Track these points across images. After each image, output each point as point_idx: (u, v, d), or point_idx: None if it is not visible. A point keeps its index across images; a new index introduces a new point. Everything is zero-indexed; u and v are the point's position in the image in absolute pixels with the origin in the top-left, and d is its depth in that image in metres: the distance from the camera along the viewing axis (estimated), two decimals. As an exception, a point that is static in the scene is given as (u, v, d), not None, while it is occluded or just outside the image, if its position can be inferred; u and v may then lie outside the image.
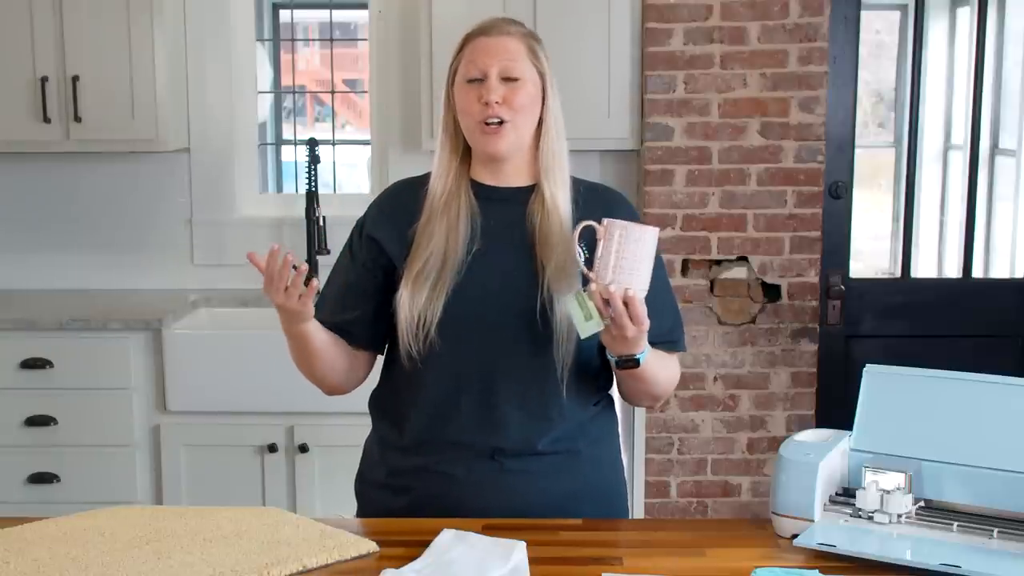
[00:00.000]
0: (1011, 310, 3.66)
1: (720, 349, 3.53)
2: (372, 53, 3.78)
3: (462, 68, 1.80)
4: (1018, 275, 4.08)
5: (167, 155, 3.67)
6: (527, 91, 1.77)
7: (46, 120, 3.40)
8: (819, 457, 1.62)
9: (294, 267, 1.63)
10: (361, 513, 1.90)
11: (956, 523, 1.58)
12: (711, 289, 3.52)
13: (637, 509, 3.43)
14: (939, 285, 4.01)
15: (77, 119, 3.40)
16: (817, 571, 1.48)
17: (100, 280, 3.76)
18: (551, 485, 1.79)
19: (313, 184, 3.66)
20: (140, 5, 3.37)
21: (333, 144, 4.24)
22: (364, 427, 1.95)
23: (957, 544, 1.54)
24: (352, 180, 5.09)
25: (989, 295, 3.73)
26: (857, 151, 3.61)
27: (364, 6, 3.84)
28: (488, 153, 1.79)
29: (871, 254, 4.91)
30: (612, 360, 1.72)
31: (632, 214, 1.86)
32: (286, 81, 4.84)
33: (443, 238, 1.77)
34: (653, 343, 1.78)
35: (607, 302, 1.60)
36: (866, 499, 1.62)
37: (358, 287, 1.84)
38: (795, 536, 1.58)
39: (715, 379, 3.54)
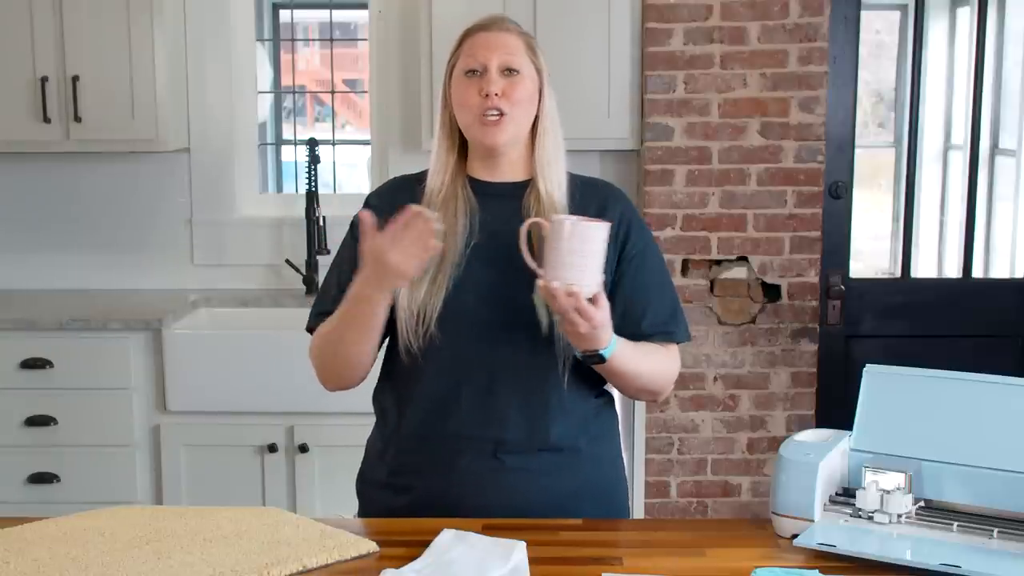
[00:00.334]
0: (1011, 310, 3.67)
1: (720, 349, 3.53)
2: (372, 53, 3.78)
3: (461, 62, 1.81)
4: (1018, 275, 4.08)
5: (167, 155, 3.67)
6: (525, 86, 1.79)
7: (46, 120, 3.40)
8: (819, 457, 1.62)
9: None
10: (362, 512, 1.90)
11: (956, 523, 1.58)
12: (711, 289, 3.52)
13: (637, 509, 3.43)
14: (939, 285, 4.01)
15: (77, 119, 3.40)
16: (817, 571, 1.48)
17: (100, 280, 3.77)
18: (552, 483, 1.79)
19: (313, 184, 3.66)
20: (140, 5, 3.38)
21: (333, 144, 4.25)
22: (364, 427, 1.95)
23: (957, 544, 1.54)
24: (352, 180, 5.09)
25: (989, 295, 3.73)
26: (857, 151, 3.61)
27: (364, 6, 3.84)
28: (487, 146, 1.79)
29: (871, 254, 4.91)
30: (577, 355, 1.73)
31: (629, 208, 1.88)
32: (286, 81, 4.84)
33: (440, 233, 1.77)
34: (649, 334, 1.79)
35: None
36: (866, 499, 1.62)
37: None
38: (795, 536, 1.58)
39: (715, 379, 3.54)
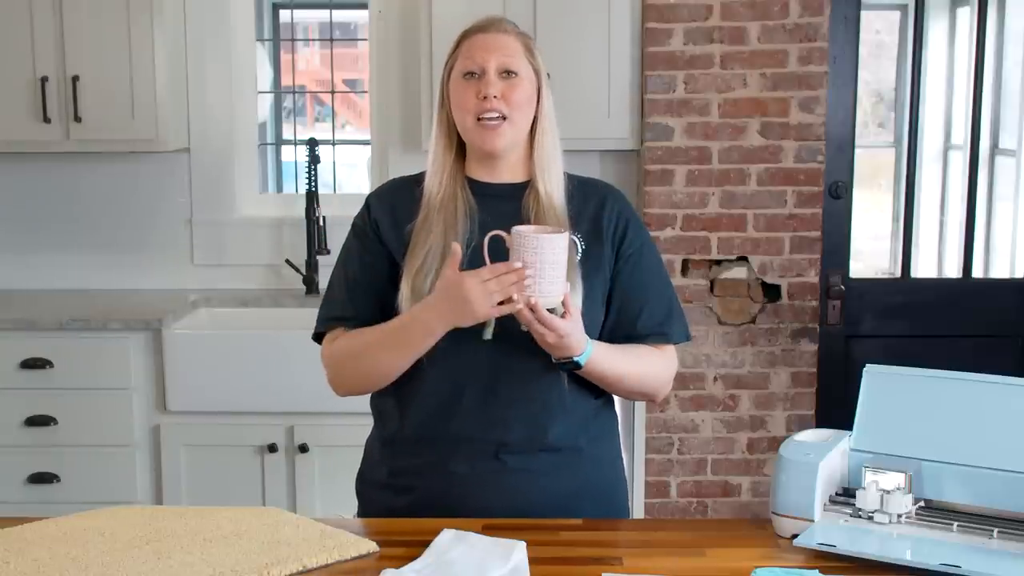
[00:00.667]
0: (1011, 310, 3.66)
1: (720, 349, 3.53)
2: (372, 53, 3.78)
3: (459, 63, 1.80)
4: (1018, 275, 4.08)
5: (167, 155, 3.67)
6: (524, 88, 1.78)
7: (46, 120, 3.40)
8: (819, 457, 1.62)
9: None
10: (362, 513, 1.90)
11: (956, 523, 1.58)
12: (711, 289, 3.52)
13: (637, 509, 3.43)
14: (939, 285, 4.01)
15: (77, 119, 3.40)
16: (817, 571, 1.48)
17: (100, 280, 3.77)
18: (552, 483, 1.79)
19: (313, 184, 3.67)
20: (140, 5, 3.38)
21: (333, 144, 4.25)
22: (364, 427, 1.95)
23: (957, 544, 1.54)
24: (352, 180, 5.09)
25: (989, 295, 3.73)
26: (857, 151, 3.61)
27: (364, 6, 3.84)
28: (486, 150, 1.79)
29: (871, 254, 4.91)
30: (554, 361, 1.73)
31: (627, 207, 1.88)
32: (286, 81, 4.84)
33: (441, 234, 1.77)
34: (643, 335, 1.80)
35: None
36: (866, 499, 1.62)
37: (377, 272, 1.82)
38: (795, 536, 1.58)
39: (715, 379, 3.54)
